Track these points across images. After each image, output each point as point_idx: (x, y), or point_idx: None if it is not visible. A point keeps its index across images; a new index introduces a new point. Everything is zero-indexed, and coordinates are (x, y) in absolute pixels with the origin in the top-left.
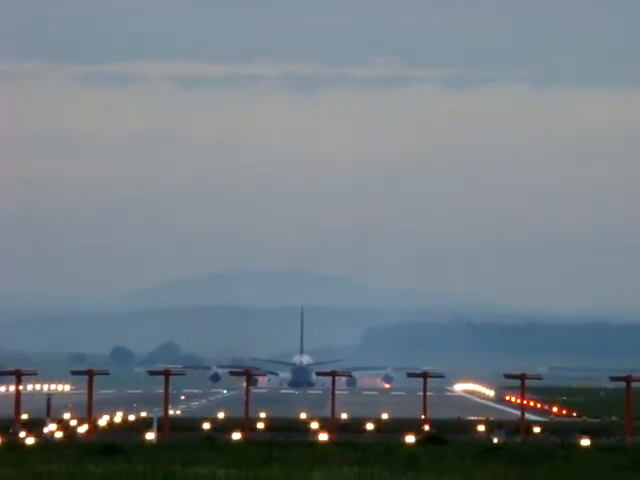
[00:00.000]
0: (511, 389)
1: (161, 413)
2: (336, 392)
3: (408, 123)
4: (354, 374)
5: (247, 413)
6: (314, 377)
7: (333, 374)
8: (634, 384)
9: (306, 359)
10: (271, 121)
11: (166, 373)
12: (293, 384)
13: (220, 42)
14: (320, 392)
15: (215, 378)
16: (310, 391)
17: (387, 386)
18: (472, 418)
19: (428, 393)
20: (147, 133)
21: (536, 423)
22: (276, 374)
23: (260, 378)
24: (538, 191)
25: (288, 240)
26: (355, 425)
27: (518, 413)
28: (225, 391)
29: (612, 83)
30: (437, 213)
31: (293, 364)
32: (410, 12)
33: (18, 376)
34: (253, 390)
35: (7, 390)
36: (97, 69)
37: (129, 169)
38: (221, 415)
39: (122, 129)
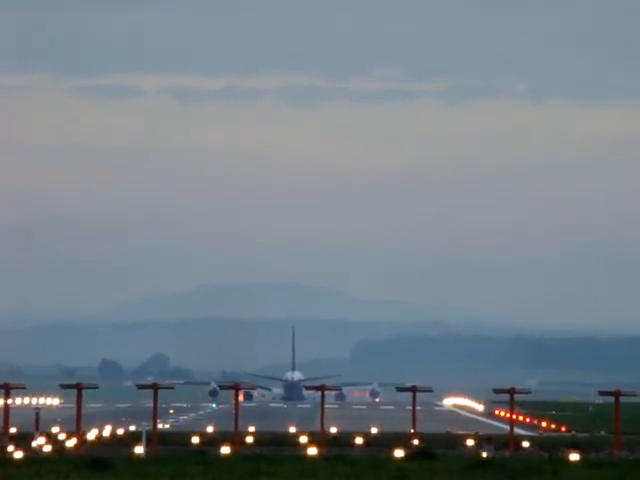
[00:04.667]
0: (500, 403)
1: (150, 427)
2: (325, 406)
3: (407, 136)
4: (343, 389)
5: (236, 427)
6: (305, 392)
7: (322, 388)
8: (622, 399)
9: (297, 375)
10: (270, 134)
11: (155, 387)
12: (285, 399)
13: (219, 55)
14: (309, 406)
15: (213, 393)
16: (300, 405)
17: (377, 400)
18: (461, 432)
19: (417, 407)
20: (144, 145)
21: (525, 437)
22: (269, 389)
23: (255, 393)
24: (532, 205)
25: (279, 253)
26: (344, 439)
27: (507, 427)
28: (214, 405)
29: (612, 97)
30: (428, 227)
31: (285, 380)
32: (410, 26)
33: (7, 390)
34: (242, 404)
35: None
36: (95, 82)
37: (125, 180)
38: (210, 429)
39: (121, 141)
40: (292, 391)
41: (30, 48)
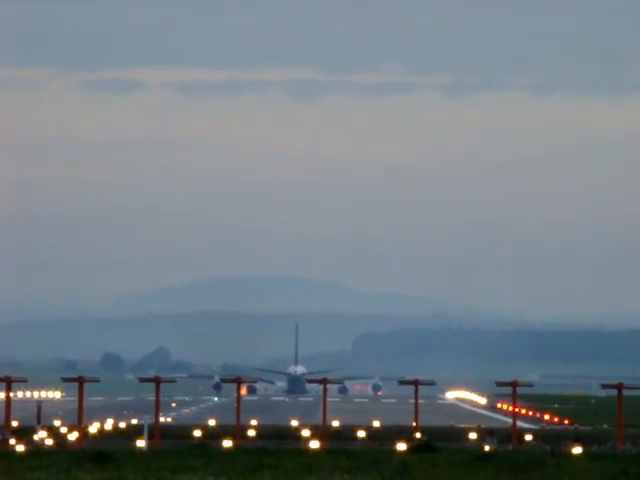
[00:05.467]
0: (503, 397)
1: (152, 420)
2: (327, 400)
3: (408, 129)
4: (345, 383)
5: (238, 420)
6: (308, 386)
7: (324, 382)
8: (625, 392)
9: (300, 369)
10: (272, 127)
11: (157, 380)
12: (288, 392)
13: (222, 48)
14: (312, 399)
15: (217, 387)
16: (302, 398)
17: (379, 393)
18: (464, 426)
19: (420, 401)
20: (148, 139)
21: (528, 431)
22: (273, 383)
23: (258, 386)
24: (534, 198)
25: (281, 246)
26: (346, 432)
27: (510, 421)
28: (216, 398)
29: (612, 90)
30: (429, 220)
31: (288, 374)
32: (411, 20)
33: (8, 383)
34: (244, 398)
35: None
36: (99, 76)
37: (128, 174)
38: (212, 422)
39: (123, 135)
40: (295, 384)
41: (33, 42)
